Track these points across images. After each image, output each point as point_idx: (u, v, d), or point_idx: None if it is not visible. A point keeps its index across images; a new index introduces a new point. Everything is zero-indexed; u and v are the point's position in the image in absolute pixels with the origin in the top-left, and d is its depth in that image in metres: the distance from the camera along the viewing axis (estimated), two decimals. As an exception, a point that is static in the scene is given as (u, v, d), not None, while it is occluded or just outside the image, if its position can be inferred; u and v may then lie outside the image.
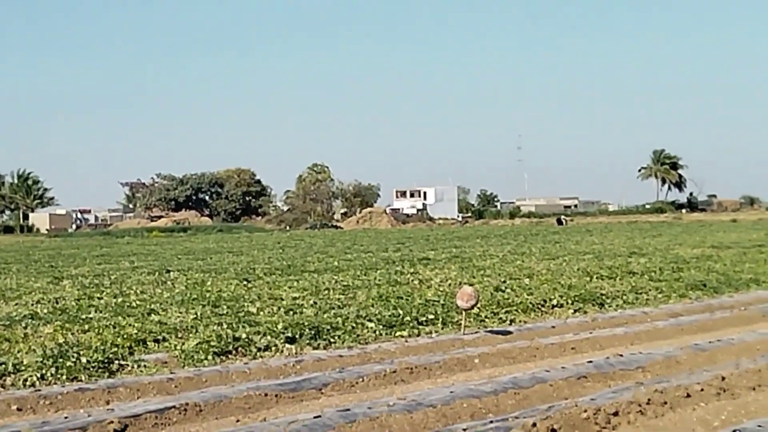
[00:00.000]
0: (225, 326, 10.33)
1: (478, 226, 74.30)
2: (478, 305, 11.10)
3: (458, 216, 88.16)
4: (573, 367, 8.10)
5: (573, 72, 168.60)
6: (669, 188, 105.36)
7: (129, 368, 8.55)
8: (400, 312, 11.50)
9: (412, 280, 16.32)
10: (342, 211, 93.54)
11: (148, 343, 9.71)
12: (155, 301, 13.48)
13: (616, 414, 6.39)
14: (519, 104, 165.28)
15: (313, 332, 10.10)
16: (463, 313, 10.48)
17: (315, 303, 12.76)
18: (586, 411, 6.29)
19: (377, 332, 10.52)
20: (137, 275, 19.52)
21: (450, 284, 15.27)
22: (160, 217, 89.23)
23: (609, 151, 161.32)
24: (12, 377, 7.99)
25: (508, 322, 11.59)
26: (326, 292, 14.44)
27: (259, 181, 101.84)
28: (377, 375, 8.13)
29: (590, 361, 8.42)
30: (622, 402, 6.58)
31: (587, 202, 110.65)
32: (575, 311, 12.61)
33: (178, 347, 9.32)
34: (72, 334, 10.17)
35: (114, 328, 10.40)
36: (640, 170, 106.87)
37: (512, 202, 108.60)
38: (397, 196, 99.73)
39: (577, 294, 13.57)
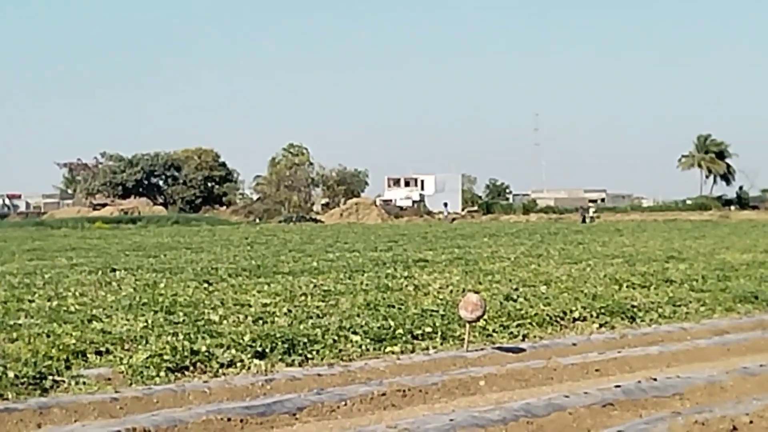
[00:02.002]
0: (181, 337, 10.33)
1: (485, 222, 74.36)
2: (485, 317, 11.12)
3: (446, 210, 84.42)
4: (597, 393, 8.13)
5: (600, 41, 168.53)
6: (715, 181, 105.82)
7: (65, 385, 8.56)
8: (392, 323, 11.52)
9: (406, 286, 16.33)
10: (323, 201, 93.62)
11: (88, 355, 9.70)
12: (98, 305, 13.47)
13: (647, 449, 6.42)
14: (537, 78, 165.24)
15: (286, 346, 10.11)
16: (467, 325, 10.50)
17: (289, 311, 12.77)
18: (612, 445, 6.32)
19: (363, 347, 10.54)
20: (76, 274, 19.49)
21: (451, 291, 15.29)
22: (104, 204, 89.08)
23: (643, 135, 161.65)
24: (-76, 394, 7.97)
25: (520, 337, 11.63)
26: (303, 298, 14.45)
27: (223, 164, 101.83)
28: (363, 398, 8.15)
29: (618, 386, 8.45)
30: (655, 435, 6.60)
31: (617, 196, 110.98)
32: (601, 326, 12.65)
33: (125, 361, 9.33)
34: (-3, 343, 10.16)
35: (48, 336, 10.39)
36: (680, 159, 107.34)
37: (527, 194, 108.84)
38: (389, 185, 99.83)
39: (603, 305, 13.60)
